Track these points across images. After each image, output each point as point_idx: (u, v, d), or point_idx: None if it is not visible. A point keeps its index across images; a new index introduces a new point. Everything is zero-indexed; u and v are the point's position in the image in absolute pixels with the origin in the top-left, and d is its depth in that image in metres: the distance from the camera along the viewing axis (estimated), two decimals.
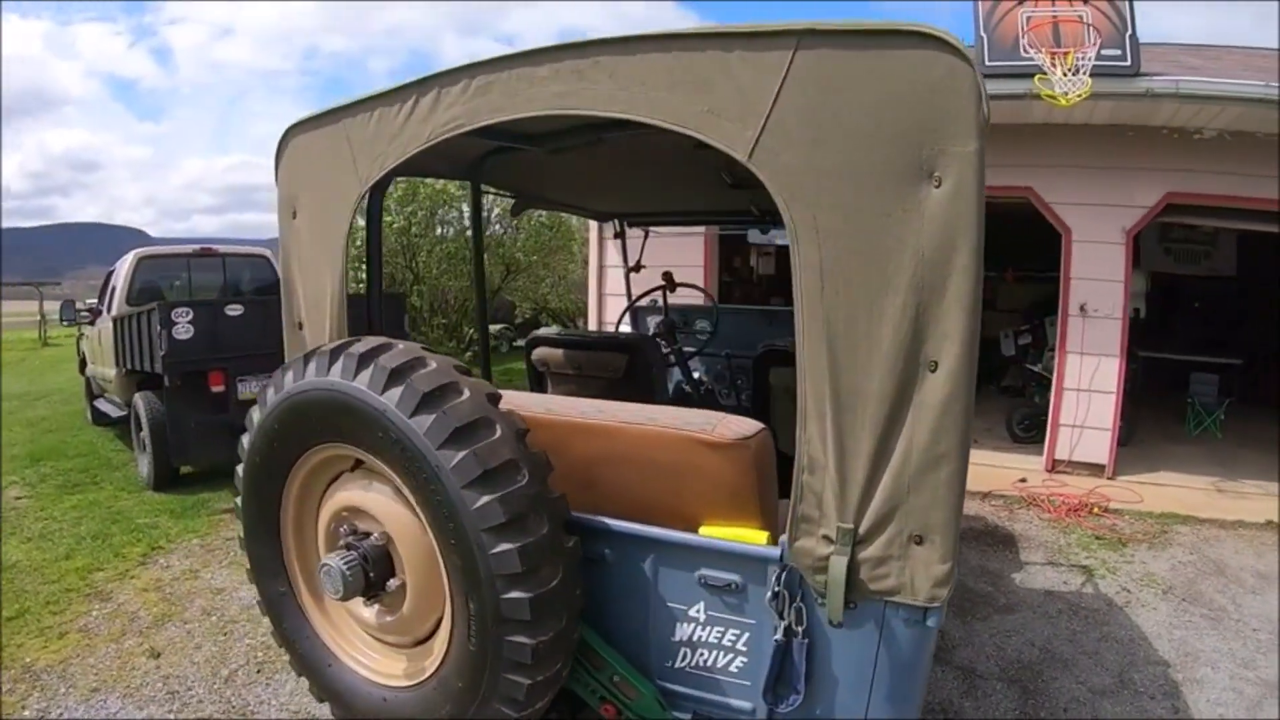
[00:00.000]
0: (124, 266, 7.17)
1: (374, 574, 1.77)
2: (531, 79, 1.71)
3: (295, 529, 2.02)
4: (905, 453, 1.44)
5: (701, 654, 1.78)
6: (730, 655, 1.74)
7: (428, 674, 1.79)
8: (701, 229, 7.20)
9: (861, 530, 1.49)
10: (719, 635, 1.74)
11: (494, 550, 1.53)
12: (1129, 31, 5.62)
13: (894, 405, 1.44)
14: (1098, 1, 5.71)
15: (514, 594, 1.54)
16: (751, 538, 1.68)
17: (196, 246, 7.81)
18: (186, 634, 3.55)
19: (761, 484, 1.72)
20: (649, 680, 1.81)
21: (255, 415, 1.94)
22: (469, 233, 11.00)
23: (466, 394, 1.62)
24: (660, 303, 4.22)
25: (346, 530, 1.86)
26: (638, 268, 4.26)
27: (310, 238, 2.22)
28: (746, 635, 1.71)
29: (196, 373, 5.45)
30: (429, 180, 10.16)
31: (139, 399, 5.80)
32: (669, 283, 4.11)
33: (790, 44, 1.41)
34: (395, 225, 10.26)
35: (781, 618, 1.59)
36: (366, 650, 1.97)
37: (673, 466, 1.74)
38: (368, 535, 1.82)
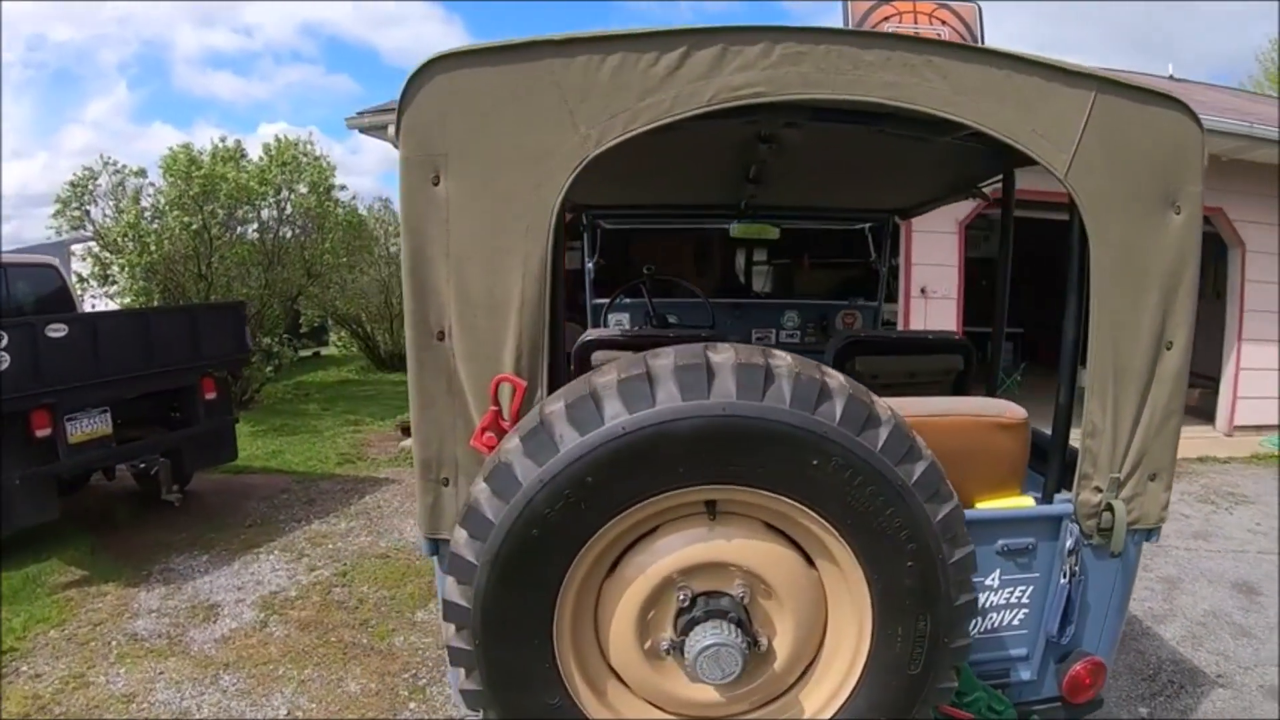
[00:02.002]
0: None
1: (751, 636, 1.52)
2: (857, 61, 1.65)
3: (573, 620, 1.54)
4: (1152, 411, 1.84)
5: (991, 618, 1.97)
6: (1015, 610, 1.99)
7: None
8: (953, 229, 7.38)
9: (1122, 477, 1.86)
10: (1008, 595, 1.97)
11: (953, 560, 1.51)
12: (979, 42, 6.48)
13: (1148, 376, 1.84)
14: (950, 15, 6.54)
15: (964, 599, 1.55)
16: (1026, 502, 1.98)
17: None
18: None
19: (1026, 455, 2.00)
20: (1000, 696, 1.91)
21: (516, 469, 1.39)
22: (268, 234, 10.19)
23: (875, 402, 1.50)
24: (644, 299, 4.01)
25: (684, 597, 1.52)
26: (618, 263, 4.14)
27: (477, 213, 1.64)
28: (1031, 589, 1.97)
29: (14, 414, 4.17)
30: (230, 175, 9.12)
31: None
32: (650, 277, 3.98)
33: (1093, 87, 1.71)
34: (192, 227, 8.95)
35: (1074, 562, 1.89)
36: None
37: (965, 451, 1.84)
38: (722, 595, 1.53)
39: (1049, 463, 2.04)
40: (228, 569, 4.56)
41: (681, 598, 1.52)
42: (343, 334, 15.41)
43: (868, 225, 4.23)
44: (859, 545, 1.49)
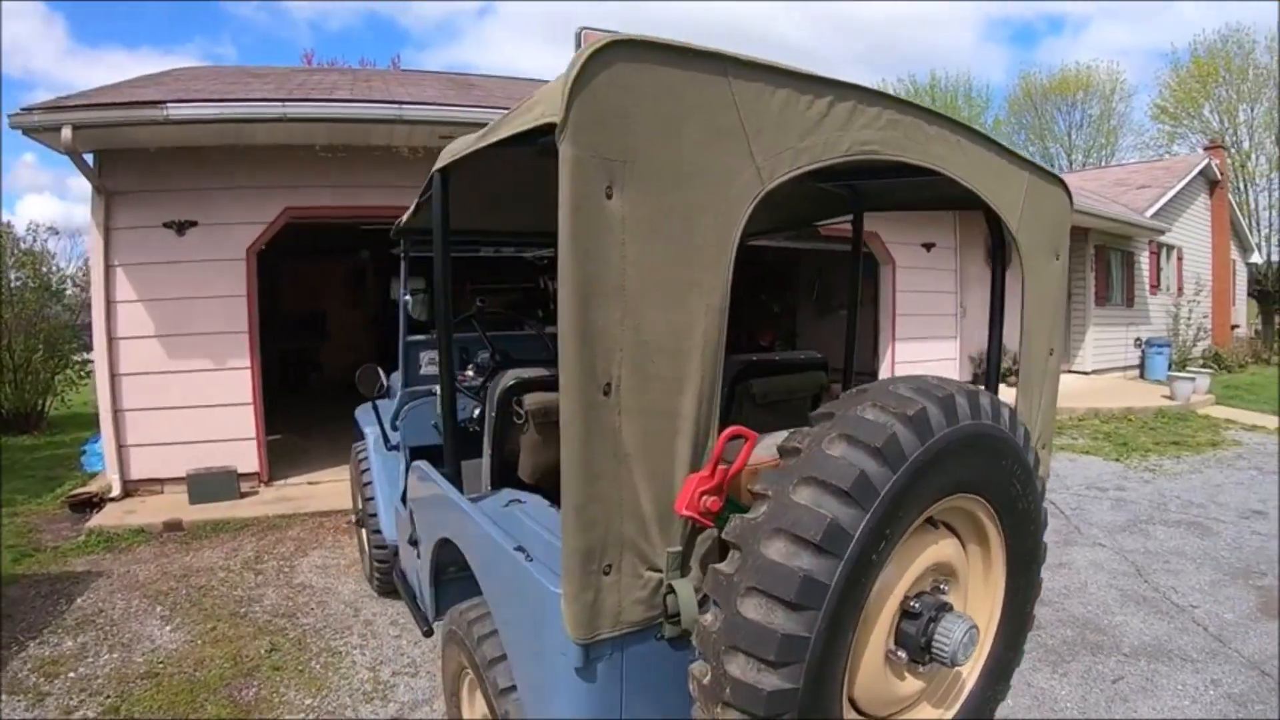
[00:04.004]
0: None
1: None
2: (926, 133, 1.86)
3: (863, 619, 1.53)
4: (1046, 400, 2.36)
5: None
6: None
7: (964, 697, 1.86)
8: None
9: (1036, 449, 2.07)
10: None
11: (1043, 519, 1.92)
12: None
13: (1044, 375, 2.34)
14: None
15: (1045, 549, 1.98)
16: None
17: None
18: None
19: None
20: None
21: (841, 522, 1.35)
22: None
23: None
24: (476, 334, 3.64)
25: (915, 605, 1.62)
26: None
27: (659, 238, 1.41)
28: None
29: None
30: None
31: None
32: (482, 310, 3.70)
33: (1028, 169, 2.20)
34: None
35: None
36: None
37: None
38: (932, 591, 1.68)
39: None
40: None
41: (914, 605, 1.61)
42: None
43: None
44: (1006, 522, 1.82)
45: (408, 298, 3.34)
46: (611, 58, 1.33)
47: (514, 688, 1.76)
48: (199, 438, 5.84)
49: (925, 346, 9.70)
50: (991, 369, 2.47)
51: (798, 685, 1.34)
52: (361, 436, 4.06)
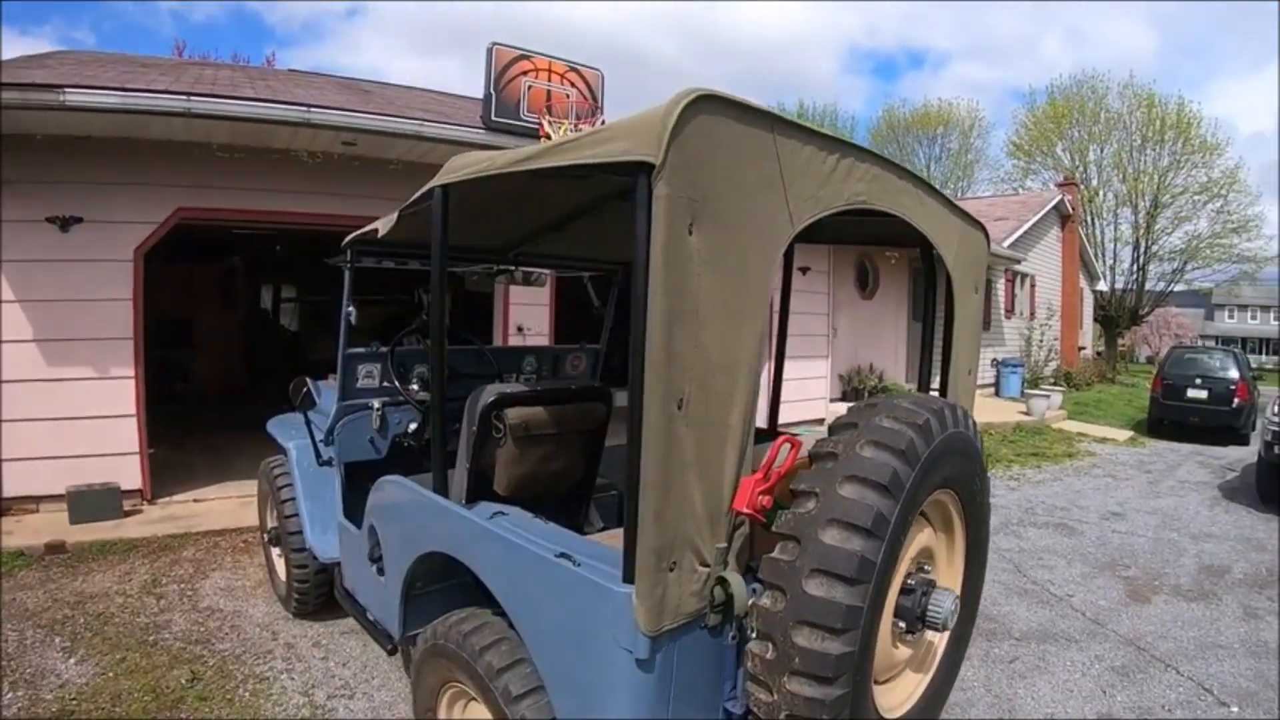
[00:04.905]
0: None
1: None
2: (896, 186, 2.14)
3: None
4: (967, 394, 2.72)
5: None
6: None
7: (936, 661, 2.21)
8: None
9: None
10: None
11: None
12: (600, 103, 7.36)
13: (967, 390, 2.68)
14: (579, 78, 7.26)
15: None
16: None
17: None
18: None
19: None
20: None
21: (880, 509, 1.64)
22: None
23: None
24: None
25: (911, 582, 1.92)
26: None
27: (723, 270, 1.60)
28: None
29: None
30: None
31: None
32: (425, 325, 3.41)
33: (960, 216, 2.53)
34: None
35: None
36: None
37: None
38: (921, 570, 2.00)
39: None
40: None
41: (910, 582, 1.91)
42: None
43: (587, 275, 4.17)
44: (969, 514, 2.15)
45: (350, 310, 3.23)
46: (698, 109, 1.50)
47: (531, 691, 1.82)
48: (78, 452, 5.37)
49: (801, 365, 10.02)
50: (942, 382, 2.72)
51: (855, 649, 1.58)
52: (280, 450, 3.87)
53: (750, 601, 1.68)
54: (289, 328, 13.00)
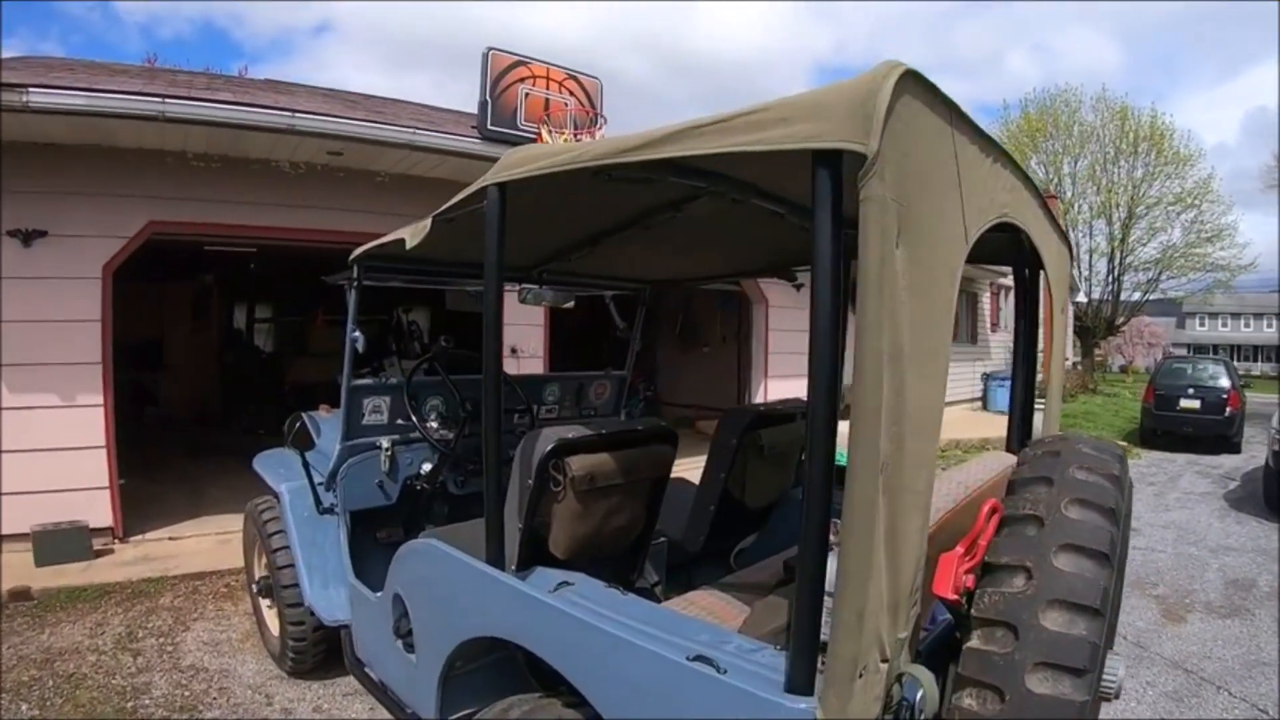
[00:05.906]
0: None
1: None
2: (1023, 199, 1.84)
3: None
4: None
5: None
6: None
7: None
8: None
9: None
10: None
11: None
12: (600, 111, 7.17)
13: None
14: (577, 86, 7.08)
15: None
16: None
17: None
18: None
19: None
20: None
21: (1107, 525, 1.44)
22: None
23: None
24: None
25: None
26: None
27: (918, 297, 1.23)
28: None
29: None
30: None
31: None
32: (447, 350, 3.30)
33: (1056, 233, 2.26)
34: None
35: None
36: None
37: None
38: None
39: None
40: None
41: None
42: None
43: (609, 295, 3.85)
44: (1120, 563, 1.80)
45: (357, 335, 2.86)
46: (905, 88, 1.14)
47: None
48: (43, 487, 4.93)
49: (798, 384, 9.81)
50: (1023, 416, 2.46)
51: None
52: (272, 493, 3.43)
53: (950, 703, 1.37)
54: (264, 349, 12.50)
